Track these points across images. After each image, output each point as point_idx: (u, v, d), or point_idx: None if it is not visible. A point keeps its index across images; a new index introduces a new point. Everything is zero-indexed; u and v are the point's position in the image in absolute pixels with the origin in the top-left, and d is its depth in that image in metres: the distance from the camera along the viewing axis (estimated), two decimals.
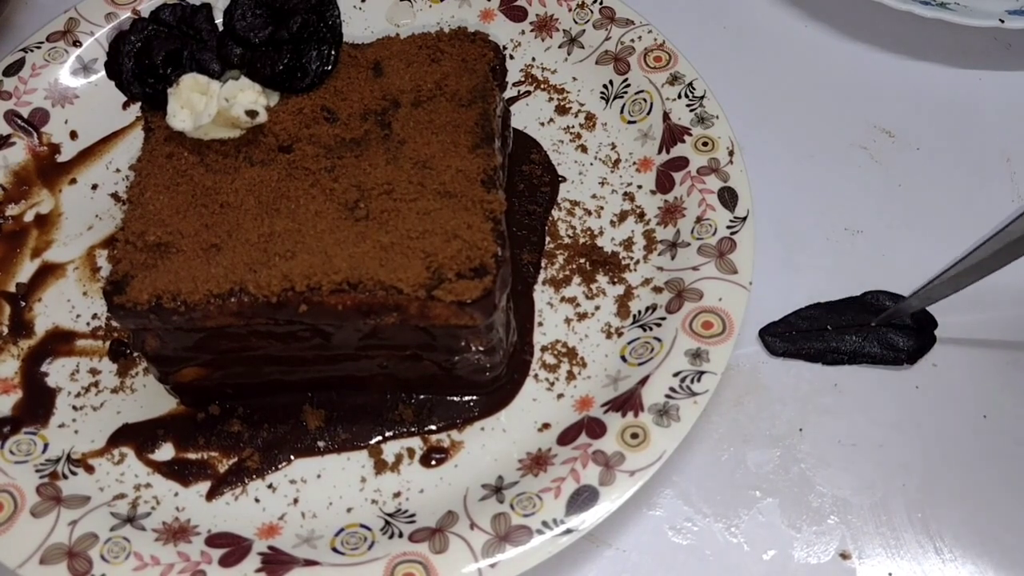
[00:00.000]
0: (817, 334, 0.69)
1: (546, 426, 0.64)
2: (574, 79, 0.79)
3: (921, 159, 0.79)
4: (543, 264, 0.70)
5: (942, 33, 0.85)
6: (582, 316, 0.68)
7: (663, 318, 0.65)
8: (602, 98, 0.78)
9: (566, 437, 0.62)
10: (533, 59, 0.80)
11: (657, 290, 0.67)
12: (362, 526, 0.60)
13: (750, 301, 0.64)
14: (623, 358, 0.65)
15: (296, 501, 0.62)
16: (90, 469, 0.63)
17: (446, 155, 0.63)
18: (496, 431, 0.64)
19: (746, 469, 0.65)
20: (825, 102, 0.83)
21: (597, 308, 0.68)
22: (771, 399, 0.68)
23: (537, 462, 0.61)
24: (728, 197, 0.69)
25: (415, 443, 0.64)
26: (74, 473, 0.63)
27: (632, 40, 0.78)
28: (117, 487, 0.63)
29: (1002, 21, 0.80)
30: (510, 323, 0.66)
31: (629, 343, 0.66)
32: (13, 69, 0.78)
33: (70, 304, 0.71)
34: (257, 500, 0.62)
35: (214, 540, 0.60)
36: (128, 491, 0.62)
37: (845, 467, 0.65)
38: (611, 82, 0.77)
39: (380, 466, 0.63)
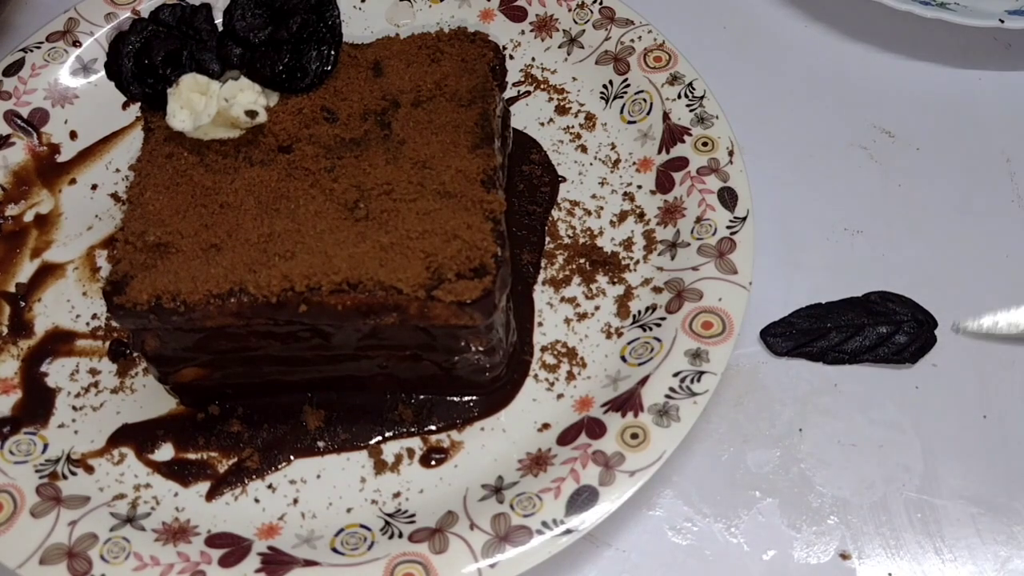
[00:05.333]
0: (818, 333, 0.69)
1: (546, 426, 0.64)
2: (574, 79, 0.79)
3: (921, 159, 0.79)
4: (543, 264, 0.70)
5: (942, 33, 0.85)
6: (582, 316, 0.68)
7: (663, 318, 0.65)
8: (602, 98, 0.78)
9: (566, 437, 0.62)
10: (533, 59, 0.80)
11: (657, 290, 0.67)
12: (362, 526, 0.60)
13: (750, 301, 0.64)
14: (623, 358, 0.65)
15: (296, 501, 0.62)
16: (90, 469, 0.63)
17: (446, 155, 0.63)
18: (496, 431, 0.64)
19: (746, 469, 0.65)
20: (825, 102, 0.83)
21: (597, 308, 0.68)
22: (771, 399, 0.68)
23: (537, 462, 0.61)
24: (728, 197, 0.69)
25: (415, 443, 0.64)
26: (74, 473, 0.63)
27: (632, 40, 0.78)
28: (117, 487, 0.62)
29: (1002, 21, 0.80)
30: (510, 323, 0.66)
31: (629, 343, 0.66)
32: (13, 69, 0.78)
33: (70, 304, 0.71)
34: (257, 500, 0.62)
35: (214, 540, 0.60)
36: (128, 491, 0.62)
37: (845, 467, 0.65)
38: (611, 82, 0.77)
39: (380, 466, 0.63)
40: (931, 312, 0.70)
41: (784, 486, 0.64)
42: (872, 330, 0.69)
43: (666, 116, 0.74)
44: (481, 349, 0.62)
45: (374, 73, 0.67)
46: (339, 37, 0.67)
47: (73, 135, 0.78)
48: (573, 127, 0.77)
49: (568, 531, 0.57)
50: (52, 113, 0.78)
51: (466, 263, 0.58)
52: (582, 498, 0.58)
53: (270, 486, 0.63)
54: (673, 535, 0.63)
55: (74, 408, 0.66)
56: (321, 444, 0.64)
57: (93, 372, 0.67)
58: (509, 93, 0.79)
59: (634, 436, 0.60)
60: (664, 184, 0.72)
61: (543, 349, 0.67)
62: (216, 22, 0.66)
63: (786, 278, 0.73)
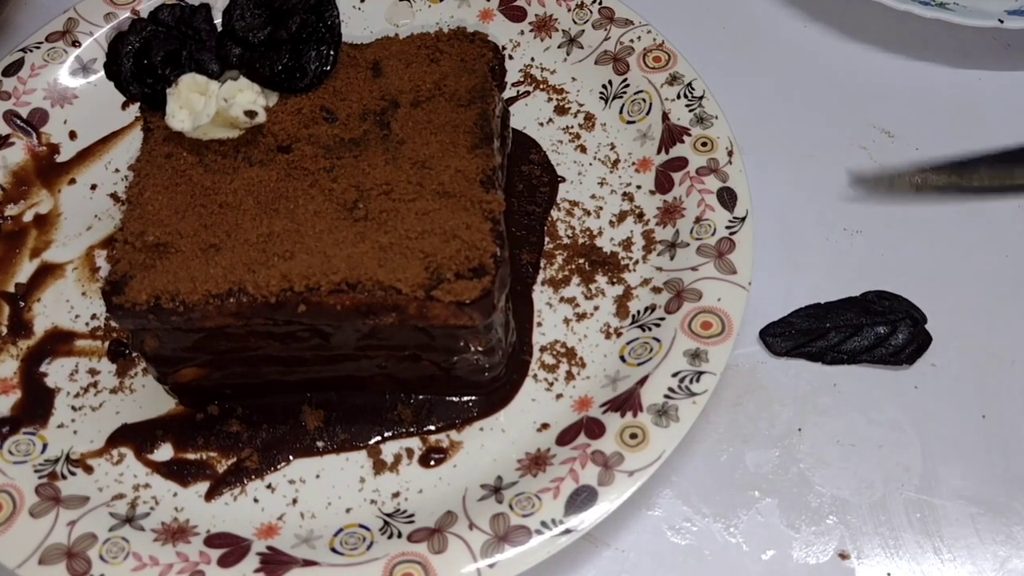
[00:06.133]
0: (818, 333, 0.69)
1: (545, 426, 0.64)
2: (573, 79, 0.79)
3: (921, 159, 0.79)
4: (542, 264, 0.70)
5: (942, 33, 0.85)
6: (581, 316, 0.68)
7: (662, 318, 0.65)
8: (601, 98, 0.78)
9: (565, 437, 0.62)
10: (532, 59, 0.80)
11: (656, 290, 0.67)
12: (361, 526, 0.60)
13: (749, 301, 0.64)
14: (622, 358, 0.65)
15: (295, 501, 0.62)
16: (89, 469, 0.63)
17: (445, 155, 0.63)
18: (495, 431, 0.64)
19: (745, 469, 0.65)
20: (825, 102, 0.83)
21: (596, 308, 0.68)
22: (770, 399, 0.68)
23: (536, 462, 0.61)
24: (727, 197, 0.69)
25: (414, 443, 0.64)
26: (73, 473, 0.63)
27: (631, 40, 0.78)
28: (116, 487, 0.63)
29: (1002, 21, 0.80)
30: (509, 323, 0.66)
31: (628, 343, 0.66)
32: (12, 69, 0.78)
33: (69, 304, 0.71)
34: (256, 500, 0.62)
35: (213, 540, 0.60)
36: (127, 491, 0.62)
37: (844, 467, 0.65)
38: (610, 82, 0.77)
39: (379, 466, 0.63)
40: (931, 313, 0.70)
41: (783, 486, 0.64)
42: (870, 330, 0.69)
43: (665, 116, 0.74)
44: (480, 349, 0.62)
45: (373, 73, 0.67)
46: (338, 37, 0.67)
47: (72, 135, 0.78)
48: (572, 127, 0.77)
49: (567, 531, 0.57)
50: (51, 113, 0.78)
51: (465, 263, 0.58)
52: (581, 498, 0.58)
53: (269, 486, 0.63)
54: (672, 535, 0.63)
55: (73, 408, 0.66)
56: (320, 444, 0.64)
57: (92, 372, 0.67)
58: (508, 93, 0.79)
59: (633, 436, 0.60)
60: (663, 184, 0.72)
61: (542, 349, 0.67)
62: (215, 22, 0.66)
63: (786, 278, 0.73)
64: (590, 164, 0.75)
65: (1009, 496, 0.64)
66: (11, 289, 0.71)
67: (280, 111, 0.65)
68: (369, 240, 0.59)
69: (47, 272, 0.72)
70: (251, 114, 0.64)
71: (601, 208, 0.73)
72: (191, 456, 0.64)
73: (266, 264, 0.59)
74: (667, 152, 0.73)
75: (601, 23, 0.79)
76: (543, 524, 0.57)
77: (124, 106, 0.79)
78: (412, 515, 0.60)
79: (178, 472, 0.63)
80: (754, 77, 0.84)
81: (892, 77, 0.84)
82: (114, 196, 0.76)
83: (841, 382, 0.68)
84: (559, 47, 0.80)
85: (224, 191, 0.62)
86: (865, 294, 0.71)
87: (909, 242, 0.74)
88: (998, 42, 0.85)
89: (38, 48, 0.80)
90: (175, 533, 0.60)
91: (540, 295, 0.69)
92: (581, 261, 0.70)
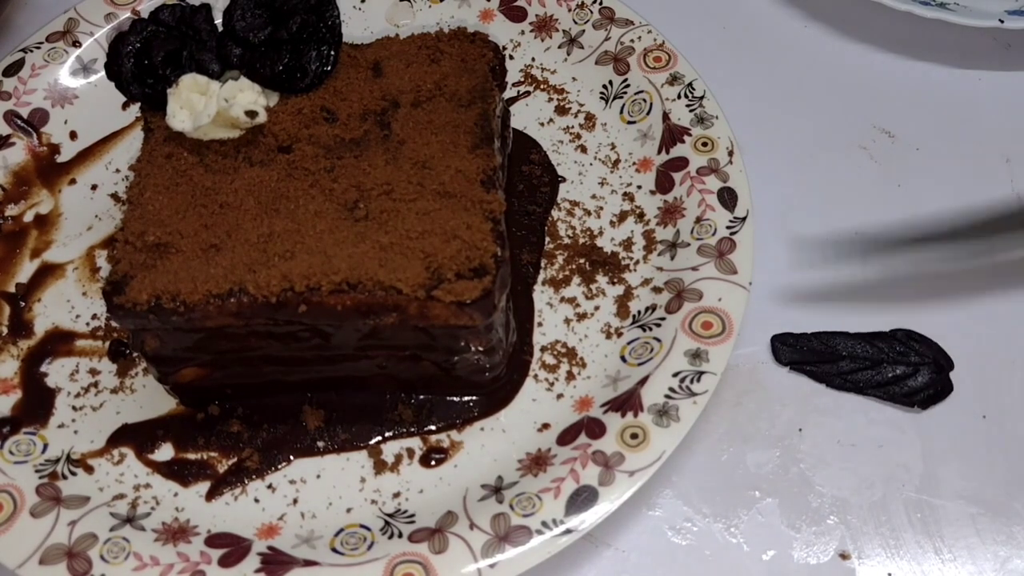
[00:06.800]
0: (828, 357, 0.68)
1: (546, 426, 0.64)
2: (574, 79, 0.79)
3: (921, 159, 0.79)
4: (543, 264, 0.70)
5: (942, 33, 0.85)
6: (582, 316, 0.68)
7: (663, 318, 0.65)
8: (602, 98, 0.78)
9: (566, 437, 0.62)
10: (533, 59, 0.80)
11: (657, 290, 0.67)
12: (361, 526, 0.60)
13: (749, 301, 0.64)
14: (623, 358, 0.65)
15: (296, 501, 0.62)
16: (89, 469, 0.63)
17: (445, 155, 0.63)
18: (496, 431, 0.64)
19: (745, 469, 0.65)
20: (825, 102, 0.83)
21: (597, 308, 0.68)
22: (770, 399, 0.68)
23: (537, 462, 0.61)
24: (728, 197, 0.69)
25: (415, 443, 0.64)
26: (73, 473, 0.63)
27: (632, 40, 0.78)
28: (117, 487, 0.63)
29: (1002, 21, 0.80)
30: (509, 323, 0.66)
31: (629, 343, 0.66)
32: (13, 69, 0.78)
33: (69, 304, 0.71)
34: (257, 500, 0.62)
35: (213, 540, 0.60)
36: (128, 491, 0.62)
37: (844, 467, 0.65)
38: (611, 82, 0.77)
39: (380, 466, 0.63)
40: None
41: (784, 486, 0.64)
42: (890, 368, 0.67)
43: (666, 116, 0.74)
44: (481, 349, 0.62)
45: (374, 73, 0.67)
46: (339, 37, 0.67)
47: (73, 135, 0.78)
48: (573, 127, 0.77)
49: (568, 531, 0.57)
50: (52, 113, 0.78)
51: (466, 263, 0.58)
52: (582, 498, 0.58)
53: (270, 486, 0.63)
54: (673, 535, 0.63)
55: (74, 408, 0.66)
56: (321, 444, 0.64)
57: (93, 372, 0.67)
58: (509, 93, 0.79)
59: (634, 436, 0.60)
60: (664, 184, 0.72)
61: (543, 349, 0.67)
62: (216, 22, 0.66)
63: (785, 278, 0.73)
64: (591, 164, 0.75)
65: (1009, 496, 0.64)
66: (11, 289, 0.71)
67: (280, 111, 0.65)
68: (370, 240, 0.59)
69: (47, 272, 0.72)
70: (252, 114, 0.64)
71: (602, 208, 0.73)
72: (192, 456, 0.64)
73: (267, 264, 0.59)
74: (667, 152, 0.73)
75: (601, 23, 0.79)
76: (544, 524, 0.57)
77: (124, 106, 0.79)
78: (413, 515, 0.60)
79: (179, 472, 0.63)
80: (754, 77, 0.84)
81: (892, 77, 0.84)
82: (114, 196, 0.76)
83: None
84: (559, 47, 0.80)
85: (225, 191, 0.62)
86: (894, 331, 0.69)
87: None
88: (998, 42, 0.85)
89: (38, 48, 0.80)
90: (176, 533, 0.60)
91: (541, 295, 0.69)
92: (582, 261, 0.70)
